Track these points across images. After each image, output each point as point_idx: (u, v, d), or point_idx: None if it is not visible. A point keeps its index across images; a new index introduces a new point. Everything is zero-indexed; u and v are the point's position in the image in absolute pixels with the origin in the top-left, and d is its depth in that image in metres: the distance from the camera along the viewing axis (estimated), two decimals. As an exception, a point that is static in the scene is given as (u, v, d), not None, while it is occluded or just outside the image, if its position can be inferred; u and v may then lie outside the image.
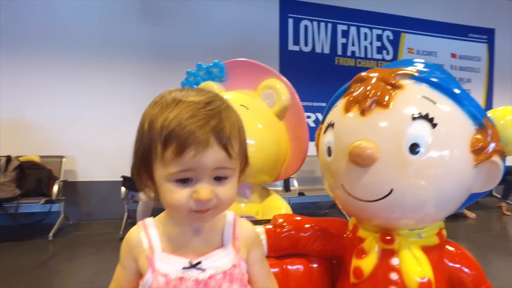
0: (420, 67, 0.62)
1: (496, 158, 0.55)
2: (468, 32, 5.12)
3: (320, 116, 4.15)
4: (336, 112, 0.65)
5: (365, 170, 0.56)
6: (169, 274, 0.52)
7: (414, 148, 0.54)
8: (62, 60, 3.70)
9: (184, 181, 0.48)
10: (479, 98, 5.26)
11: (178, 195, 0.48)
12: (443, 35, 4.99)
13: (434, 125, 0.53)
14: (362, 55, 4.65)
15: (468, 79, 5.18)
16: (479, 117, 0.55)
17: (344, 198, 0.63)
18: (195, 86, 1.27)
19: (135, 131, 0.53)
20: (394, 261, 0.61)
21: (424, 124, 0.54)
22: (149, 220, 0.58)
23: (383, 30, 4.69)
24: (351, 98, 0.61)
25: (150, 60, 3.92)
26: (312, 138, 1.10)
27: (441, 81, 0.57)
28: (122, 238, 3.01)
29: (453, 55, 5.08)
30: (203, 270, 0.53)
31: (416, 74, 0.58)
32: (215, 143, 0.47)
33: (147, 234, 0.56)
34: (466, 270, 0.63)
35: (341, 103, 0.65)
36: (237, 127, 0.52)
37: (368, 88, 0.59)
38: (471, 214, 3.94)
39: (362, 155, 0.54)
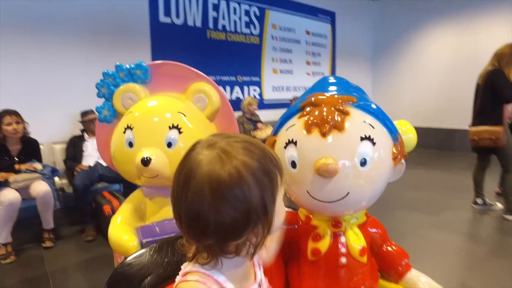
0: (351, 90, 0.82)
1: (403, 160, 0.81)
2: (317, 12, 5.97)
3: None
4: (297, 131, 0.79)
5: (329, 180, 0.74)
6: None
7: (363, 162, 0.74)
8: None
9: None
10: (326, 69, 6.36)
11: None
12: (299, 13, 5.67)
13: (374, 144, 0.75)
14: (232, 29, 4.83)
15: (319, 53, 6.14)
16: (394, 133, 0.80)
17: (309, 201, 0.80)
18: (113, 88, 1.17)
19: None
20: (342, 239, 0.83)
21: (368, 144, 0.74)
22: (208, 271, 0.55)
23: (250, 5, 4.97)
24: (310, 121, 0.76)
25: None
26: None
27: (373, 109, 0.79)
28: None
29: (307, 32, 5.88)
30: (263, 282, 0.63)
31: (356, 101, 0.78)
32: None
33: (218, 284, 0.54)
34: (377, 231, 0.92)
35: (299, 123, 0.79)
36: None
37: (324, 113, 0.75)
38: None
39: (329, 171, 0.71)
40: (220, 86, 4.75)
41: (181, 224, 0.53)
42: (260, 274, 0.65)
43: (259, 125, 4.55)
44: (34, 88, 3.52)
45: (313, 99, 0.79)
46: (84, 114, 3.42)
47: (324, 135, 0.74)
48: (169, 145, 1.08)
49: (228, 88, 5.01)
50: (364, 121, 0.76)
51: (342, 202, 0.76)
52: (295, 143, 0.78)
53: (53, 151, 3.58)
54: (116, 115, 1.20)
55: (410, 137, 0.84)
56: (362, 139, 0.74)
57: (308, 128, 0.76)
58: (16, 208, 2.54)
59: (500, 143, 2.80)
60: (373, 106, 0.79)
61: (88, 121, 3.37)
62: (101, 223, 2.90)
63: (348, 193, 0.75)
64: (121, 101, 1.16)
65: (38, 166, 2.91)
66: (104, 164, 3.22)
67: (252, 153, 0.51)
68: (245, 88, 5.23)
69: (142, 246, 1.04)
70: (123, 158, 1.13)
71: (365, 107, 0.78)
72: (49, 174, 2.94)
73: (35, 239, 2.84)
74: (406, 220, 3.05)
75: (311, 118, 0.76)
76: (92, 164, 3.22)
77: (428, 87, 6.41)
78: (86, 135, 3.41)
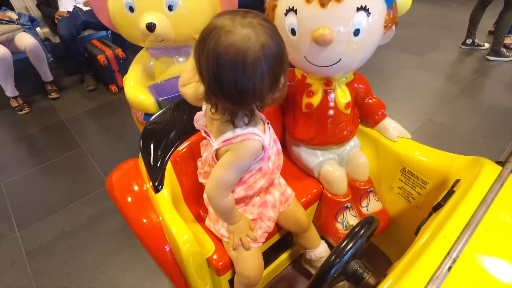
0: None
1: (393, 27, 0.87)
2: None
3: None
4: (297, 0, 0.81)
5: (324, 47, 0.81)
6: (270, 140, 0.78)
7: (356, 32, 0.80)
8: None
9: None
10: None
11: None
12: None
13: (368, 15, 0.78)
14: None
15: None
16: (390, 0, 0.82)
17: (305, 64, 0.89)
18: None
19: None
20: (332, 95, 0.98)
21: (363, 14, 0.78)
22: (246, 130, 0.72)
23: None
24: (311, -10, 0.77)
25: None
26: None
27: None
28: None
29: None
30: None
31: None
32: None
33: (257, 135, 0.73)
34: (362, 86, 1.06)
35: (300, -9, 0.80)
36: None
37: (325, -17, 0.75)
38: None
39: (325, 40, 0.78)
40: None
41: (233, 100, 0.64)
42: (263, 116, 0.83)
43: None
44: None
45: (316, -33, 0.77)
46: None
47: (323, 5, 0.76)
48: (170, 8, 1.07)
49: None
50: (362, -9, 0.77)
51: (335, 66, 0.86)
52: (295, 11, 0.82)
53: (19, -7, 3.24)
54: (104, -26, 1.11)
55: (405, 1, 0.86)
56: (358, 9, 0.77)
57: (308, -3, 0.78)
58: (9, 62, 2.56)
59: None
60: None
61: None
62: (98, 72, 2.98)
63: (340, 59, 0.85)
64: (107, -42, 1.05)
65: (12, 15, 2.74)
66: (84, 8, 3.02)
67: (270, 22, 0.62)
68: None
69: (159, 103, 1.19)
70: (125, 23, 1.13)
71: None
72: (29, 25, 2.80)
73: (40, 91, 2.99)
74: (392, 60, 3.18)
75: (312, -12, 0.77)
76: (70, 9, 3.01)
77: None
78: (52, -26, 3.03)
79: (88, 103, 2.83)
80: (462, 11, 4.14)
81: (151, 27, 1.03)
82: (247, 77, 0.59)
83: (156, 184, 0.92)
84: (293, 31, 0.85)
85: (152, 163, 0.93)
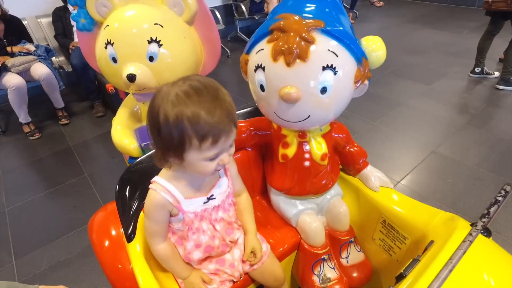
0: (322, 11, 0.80)
1: (366, 82, 0.86)
2: None
3: None
4: (265, 57, 0.82)
5: (292, 104, 0.82)
6: (196, 210, 0.77)
7: (323, 90, 0.80)
8: None
9: (214, 158, 0.68)
10: None
11: (210, 167, 0.69)
12: None
13: (335, 73, 0.78)
14: None
15: None
16: (360, 57, 0.82)
17: (276, 118, 0.90)
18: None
19: None
20: (307, 147, 0.97)
21: (330, 73, 0.78)
22: (162, 181, 0.75)
23: None
24: (277, 48, 0.78)
25: None
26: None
27: (340, 34, 0.78)
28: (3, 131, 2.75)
29: None
30: (215, 198, 0.80)
31: (323, 26, 0.77)
32: (233, 126, 0.68)
33: (168, 192, 0.74)
34: (342, 135, 1.05)
35: (267, 48, 0.81)
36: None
37: (291, 42, 0.76)
38: (379, 3, 5.82)
39: (291, 98, 0.78)
40: None
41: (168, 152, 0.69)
42: (217, 193, 0.82)
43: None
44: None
45: (282, 24, 0.78)
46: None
47: (288, 64, 0.77)
48: (151, 59, 1.11)
49: None
50: (328, 49, 0.77)
51: (305, 122, 0.86)
52: (263, 69, 0.82)
53: (40, 26, 3.44)
54: (94, 23, 1.16)
55: (379, 55, 0.85)
56: (324, 68, 0.77)
57: (275, 56, 0.79)
58: (24, 91, 2.69)
59: (515, 7, 2.60)
60: (341, 29, 0.78)
61: (66, -10, 3.11)
62: (107, 99, 3.08)
63: (309, 116, 0.84)
64: (95, 8, 1.11)
65: (30, 47, 2.90)
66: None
67: (196, 91, 0.65)
68: None
69: (142, 147, 1.21)
70: (110, 72, 1.18)
71: (332, 33, 0.77)
72: (45, 55, 2.95)
73: (51, 117, 3.11)
74: (398, 88, 3.14)
75: (279, 45, 0.78)
76: (85, 39, 3.16)
77: None
78: (70, 7, 3.21)
79: (96, 129, 2.92)
80: (472, 38, 4.08)
81: (131, 78, 1.07)
82: (162, 131, 0.66)
83: (129, 233, 0.92)
84: (262, 87, 0.85)
85: (125, 212, 0.94)
